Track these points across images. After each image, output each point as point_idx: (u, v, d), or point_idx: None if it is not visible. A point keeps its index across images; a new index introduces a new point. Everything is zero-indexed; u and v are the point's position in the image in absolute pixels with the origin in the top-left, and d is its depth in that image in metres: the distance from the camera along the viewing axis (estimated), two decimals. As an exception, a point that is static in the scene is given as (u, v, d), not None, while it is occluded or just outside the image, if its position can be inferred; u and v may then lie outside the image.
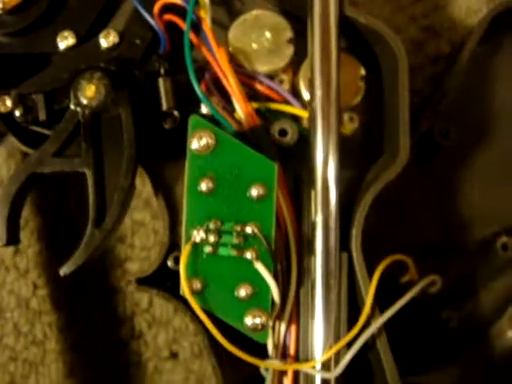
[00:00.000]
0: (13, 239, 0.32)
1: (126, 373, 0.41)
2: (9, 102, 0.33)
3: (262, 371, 0.33)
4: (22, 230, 0.39)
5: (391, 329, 0.32)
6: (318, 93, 0.32)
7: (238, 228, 0.30)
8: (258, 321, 0.30)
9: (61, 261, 0.40)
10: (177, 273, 0.31)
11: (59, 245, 0.41)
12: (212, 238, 0.30)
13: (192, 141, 0.30)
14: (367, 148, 0.35)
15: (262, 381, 0.33)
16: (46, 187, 0.41)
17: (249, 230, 0.30)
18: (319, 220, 0.31)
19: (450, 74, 0.38)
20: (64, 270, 0.31)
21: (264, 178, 0.30)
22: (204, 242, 0.30)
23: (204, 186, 0.30)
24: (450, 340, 0.38)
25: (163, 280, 0.33)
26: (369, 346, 0.32)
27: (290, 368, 0.32)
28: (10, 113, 0.33)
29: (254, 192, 0.30)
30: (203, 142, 0.29)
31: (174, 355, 0.41)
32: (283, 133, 0.32)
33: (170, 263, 0.33)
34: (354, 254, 0.31)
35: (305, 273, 0.32)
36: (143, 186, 0.41)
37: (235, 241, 0.30)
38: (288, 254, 0.32)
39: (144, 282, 0.33)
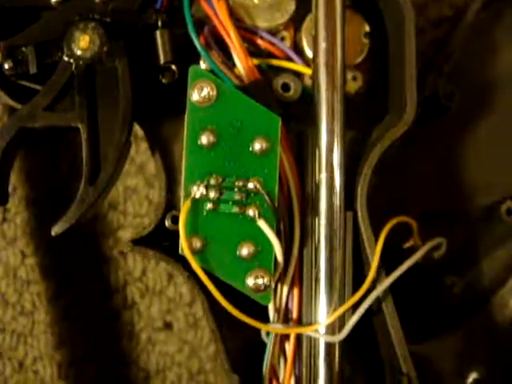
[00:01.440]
0: (1, 199, 0.30)
1: (118, 344, 0.39)
2: (-2, 56, 0.31)
3: (263, 336, 0.32)
4: (10, 197, 0.37)
5: (395, 296, 0.31)
6: (323, 47, 0.30)
7: (240, 183, 0.29)
8: (260, 281, 0.29)
9: (49, 229, 0.39)
10: (175, 233, 0.30)
11: (48, 213, 0.40)
12: (212, 194, 0.28)
13: (192, 92, 0.28)
14: (371, 108, 0.34)
15: (262, 347, 0.32)
16: (36, 153, 0.40)
17: (251, 185, 0.29)
18: (323, 178, 0.30)
19: (454, 37, 0.37)
20: (56, 230, 0.29)
21: (267, 132, 0.29)
22: (204, 198, 0.28)
23: (204, 140, 0.28)
24: (453, 306, 0.37)
25: (160, 241, 0.31)
26: (374, 310, 0.31)
27: (293, 331, 0.30)
28: (-1, 67, 0.31)
29: (257, 146, 0.28)
30: (204, 93, 0.28)
31: (167, 325, 0.39)
32: (286, 87, 0.31)
33: (167, 223, 0.31)
34: (359, 213, 0.30)
35: (308, 233, 0.31)
36: (137, 151, 0.40)
37: (237, 197, 0.29)
38: (290, 214, 0.31)
39: (140, 243, 0.31)
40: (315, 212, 0.30)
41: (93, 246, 0.39)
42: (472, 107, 0.37)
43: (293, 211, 0.31)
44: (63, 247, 0.39)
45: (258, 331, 0.32)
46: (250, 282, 0.29)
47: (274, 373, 0.32)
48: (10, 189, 0.38)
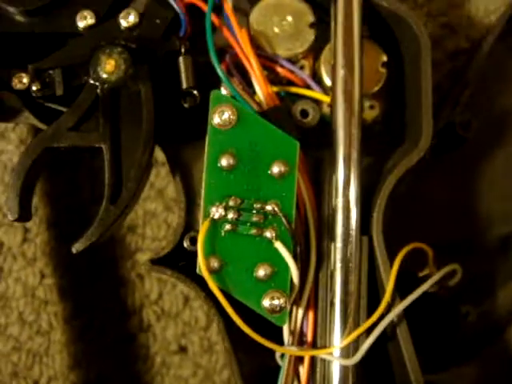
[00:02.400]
0: (25, 215, 0.31)
1: (133, 366, 0.40)
2: (25, 80, 0.32)
3: (278, 359, 0.32)
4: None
5: (410, 324, 0.31)
6: (341, 74, 0.31)
7: (258, 206, 0.29)
8: (276, 302, 0.29)
9: (68, 250, 0.40)
10: (192, 254, 0.31)
11: (68, 234, 0.40)
12: (231, 215, 0.29)
13: (213, 116, 0.29)
14: (388, 136, 0.34)
15: (276, 371, 0.32)
16: (58, 176, 0.41)
17: (269, 208, 0.29)
18: (340, 203, 0.31)
19: (470, 68, 0.37)
20: (77, 247, 0.30)
21: (286, 156, 0.29)
22: (223, 219, 0.29)
23: (224, 162, 0.29)
24: (468, 336, 0.37)
25: (177, 262, 0.32)
26: (389, 335, 0.31)
27: (307, 354, 0.31)
28: (26, 90, 0.32)
29: (276, 169, 0.29)
30: (225, 116, 0.29)
31: (182, 349, 0.40)
32: (304, 113, 0.32)
33: (186, 244, 0.32)
34: (375, 238, 0.31)
35: (324, 257, 0.31)
36: (156, 176, 0.40)
37: (255, 219, 0.29)
38: (307, 238, 0.31)
39: (158, 263, 0.32)
40: (331, 236, 0.31)
41: (111, 268, 0.40)
42: (487, 138, 0.38)
43: (309, 235, 0.31)
44: (82, 268, 0.40)
45: (273, 355, 0.32)
46: (266, 302, 0.29)
47: (288, 397, 0.32)
48: (32, 209, 0.39)
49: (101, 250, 0.40)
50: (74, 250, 0.30)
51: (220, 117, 0.29)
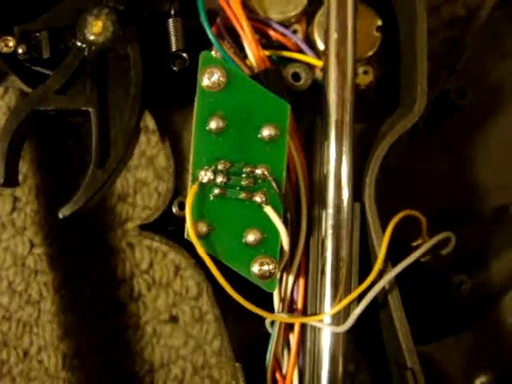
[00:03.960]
0: (11, 180, 0.31)
1: (123, 336, 0.39)
2: (11, 43, 0.32)
3: (268, 327, 0.32)
4: (20, 187, 0.38)
5: (402, 295, 0.31)
6: (334, 37, 0.31)
7: (248, 169, 0.28)
8: (265, 268, 0.28)
9: (58, 219, 0.39)
10: (181, 220, 0.30)
11: (58, 203, 0.40)
12: (220, 179, 0.28)
13: (202, 77, 0.28)
14: (381, 102, 0.34)
15: (266, 339, 0.31)
16: (47, 144, 0.40)
17: (259, 171, 0.28)
18: (332, 168, 0.30)
19: (466, 36, 0.37)
20: (63, 212, 0.30)
21: (276, 119, 0.29)
22: (211, 183, 0.28)
23: (213, 125, 0.28)
24: (461, 307, 0.36)
25: (167, 228, 0.31)
26: (380, 303, 0.31)
27: (298, 321, 0.30)
28: (13, 53, 0.31)
29: (266, 133, 0.28)
30: (214, 78, 0.28)
31: (173, 319, 0.39)
32: (296, 77, 0.31)
33: (174, 209, 0.31)
34: (367, 204, 0.30)
35: (315, 224, 0.30)
36: (147, 144, 0.40)
37: (244, 183, 0.28)
38: (298, 204, 0.31)
39: (147, 229, 0.31)
40: (323, 203, 0.30)
41: (101, 237, 0.40)
42: (483, 107, 0.37)
43: (300, 201, 0.31)
44: (72, 238, 0.40)
45: (263, 322, 0.32)
46: (255, 268, 0.29)
47: (278, 364, 0.31)
48: (21, 178, 0.39)
49: (91, 219, 0.39)
50: (60, 215, 0.30)
51: (209, 78, 0.28)
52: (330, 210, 0.30)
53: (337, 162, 0.30)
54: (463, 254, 0.36)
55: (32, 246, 0.39)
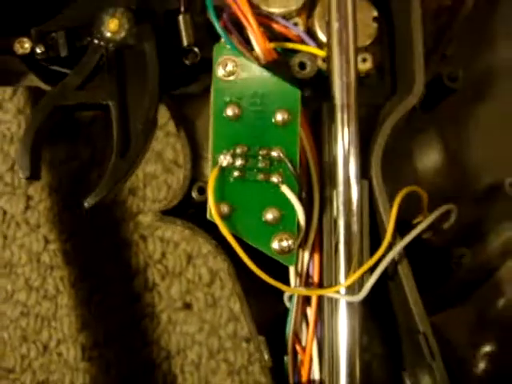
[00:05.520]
0: (35, 174, 0.32)
1: (140, 325, 0.41)
2: (27, 44, 0.33)
3: (286, 302, 0.33)
4: (32, 185, 0.39)
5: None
6: (335, 27, 0.32)
7: (264, 152, 0.30)
8: (285, 243, 0.30)
9: (71, 216, 0.41)
10: (200, 204, 0.32)
11: (70, 200, 0.41)
12: (239, 162, 0.30)
13: (217, 68, 0.30)
14: (380, 88, 0.36)
15: (285, 316, 0.33)
16: (58, 143, 0.41)
17: (274, 153, 0.30)
18: (339, 148, 0.32)
19: (456, 22, 0.39)
20: (88, 202, 0.31)
21: (288, 104, 0.31)
22: (231, 166, 0.30)
23: (230, 112, 0.30)
24: (463, 278, 0.38)
25: (186, 213, 0.33)
26: (390, 274, 0.33)
27: (315, 293, 0.32)
28: (30, 54, 0.33)
29: (279, 117, 0.30)
30: (228, 68, 0.30)
31: (187, 306, 0.41)
32: (302, 66, 0.33)
33: (194, 194, 0.33)
34: (374, 180, 0.32)
35: (327, 202, 0.32)
36: (154, 139, 0.41)
37: (261, 165, 0.30)
38: (310, 186, 0.32)
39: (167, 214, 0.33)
40: (333, 182, 0.32)
41: (114, 231, 0.41)
42: (474, 89, 0.39)
43: (312, 182, 0.32)
44: (85, 233, 0.41)
45: (281, 299, 0.33)
46: (275, 244, 0.30)
47: (297, 337, 0.33)
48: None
49: (103, 214, 0.41)
50: (86, 205, 0.31)
51: (224, 68, 0.30)
52: (340, 188, 0.32)
53: (344, 143, 0.32)
54: (462, 229, 0.38)
55: (47, 242, 0.41)
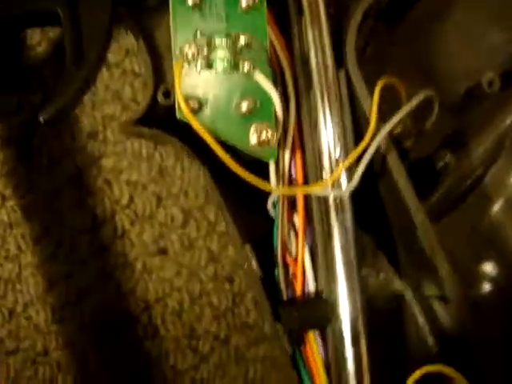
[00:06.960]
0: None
1: (113, 276, 0.38)
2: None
3: (270, 209, 0.31)
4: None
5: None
6: None
7: (231, 40, 0.28)
8: (263, 135, 0.28)
9: (28, 170, 0.38)
10: (168, 109, 0.29)
11: (26, 153, 0.38)
12: (204, 52, 0.28)
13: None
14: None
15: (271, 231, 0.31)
16: (10, 95, 0.38)
17: (242, 40, 0.28)
18: (310, 37, 0.30)
19: None
20: (43, 116, 0.28)
21: (253, -12, 0.29)
22: (196, 57, 0.28)
23: (190, 0, 0.28)
24: (450, 189, 0.36)
25: (153, 122, 0.31)
26: (378, 172, 0.31)
27: (299, 191, 0.30)
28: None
29: (244, 3, 0.28)
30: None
31: (162, 251, 0.38)
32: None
33: (159, 98, 0.30)
34: (351, 69, 0.30)
35: (302, 93, 0.30)
36: (110, 79, 0.39)
37: (228, 53, 0.28)
38: (283, 82, 0.30)
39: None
40: (307, 75, 0.30)
41: (76, 178, 0.38)
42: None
43: (285, 76, 0.30)
44: (44, 185, 0.38)
45: (265, 208, 0.31)
46: (253, 138, 0.28)
47: (286, 247, 0.31)
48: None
49: (62, 161, 0.38)
50: (41, 119, 0.29)
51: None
52: (316, 78, 0.30)
53: (316, 34, 0.30)
54: (444, 140, 0.36)
55: (3, 198, 0.37)
